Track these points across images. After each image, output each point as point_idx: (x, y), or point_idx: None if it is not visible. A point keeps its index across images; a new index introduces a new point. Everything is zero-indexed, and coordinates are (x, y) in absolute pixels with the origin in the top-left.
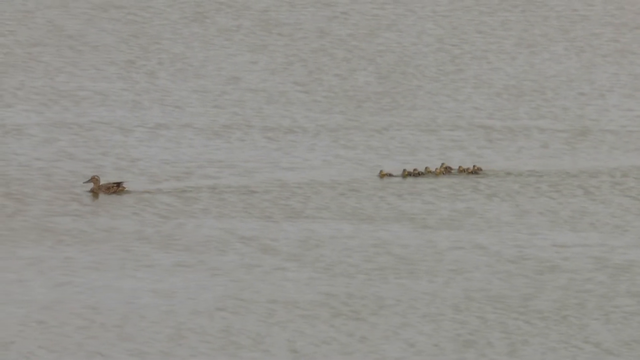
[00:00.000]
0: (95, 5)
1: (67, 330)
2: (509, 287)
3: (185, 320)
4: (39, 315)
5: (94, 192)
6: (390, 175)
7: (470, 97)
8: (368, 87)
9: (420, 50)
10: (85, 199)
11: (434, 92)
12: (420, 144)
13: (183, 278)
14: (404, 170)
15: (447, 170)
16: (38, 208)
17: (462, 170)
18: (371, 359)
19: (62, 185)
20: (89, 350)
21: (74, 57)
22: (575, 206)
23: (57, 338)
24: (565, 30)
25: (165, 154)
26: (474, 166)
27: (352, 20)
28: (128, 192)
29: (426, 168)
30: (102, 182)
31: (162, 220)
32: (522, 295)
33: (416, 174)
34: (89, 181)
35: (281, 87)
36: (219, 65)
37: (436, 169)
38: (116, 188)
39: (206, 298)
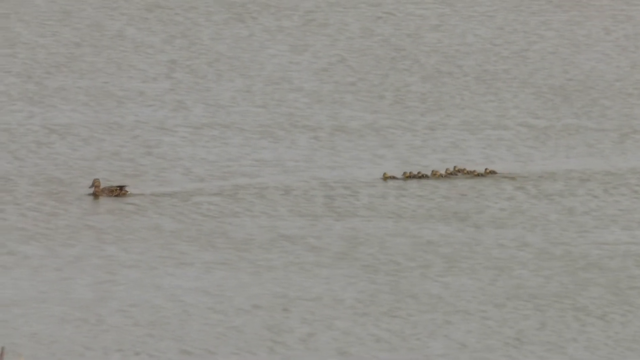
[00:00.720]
0: (139, 5)
1: (110, 329)
2: (554, 284)
3: (229, 318)
4: (81, 313)
5: (96, 196)
6: (393, 177)
7: (515, 97)
8: (412, 87)
9: (464, 50)
10: (128, 197)
11: (479, 91)
12: (465, 144)
13: (227, 276)
14: (405, 172)
15: (450, 173)
16: (80, 207)
17: (467, 173)
18: (416, 356)
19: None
20: (132, 348)
21: (117, 57)
22: (621, 205)
23: (99, 336)
24: (609, 30)
25: (209, 154)
26: (485, 169)
27: (396, 20)
28: (131, 195)
29: (432, 171)
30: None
31: (206, 219)
32: (568, 293)
33: (420, 176)
34: (92, 186)
35: (325, 87)
36: (263, 65)
37: (437, 172)
38: (119, 191)
39: (250, 296)
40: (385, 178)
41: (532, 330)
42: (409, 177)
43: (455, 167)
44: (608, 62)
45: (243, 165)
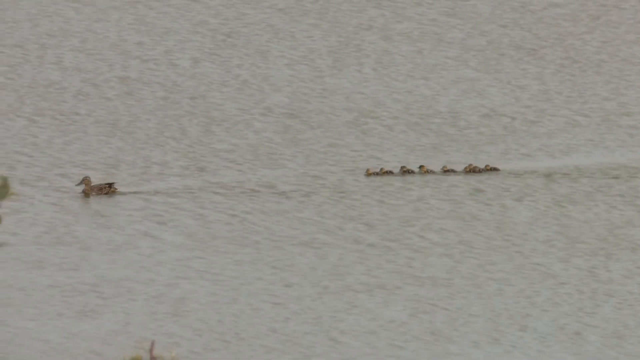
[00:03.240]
0: None
1: (243, 308)
2: None
3: (368, 299)
4: (221, 294)
5: (86, 194)
6: (376, 174)
7: None
8: (550, 75)
9: (599, 39)
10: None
11: (614, 81)
12: (605, 134)
13: (359, 257)
14: (382, 168)
15: (447, 170)
16: (209, 192)
17: (469, 170)
18: (565, 343)
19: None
20: (269, 332)
21: (260, 46)
22: None
23: (250, 318)
24: None
25: (354, 144)
26: (486, 166)
27: (535, 9)
28: (121, 193)
29: (421, 167)
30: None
31: (329, 200)
32: None
33: (406, 171)
34: (80, 183)
35: (459, 74)
36: (395, 53)
37: (425, 167)
38: (108, 189)
39: (393, 278)
40: (369, 174)
41: None
42: (385, 172)
43: (470, 164)
44: None
45: (382, 151)
